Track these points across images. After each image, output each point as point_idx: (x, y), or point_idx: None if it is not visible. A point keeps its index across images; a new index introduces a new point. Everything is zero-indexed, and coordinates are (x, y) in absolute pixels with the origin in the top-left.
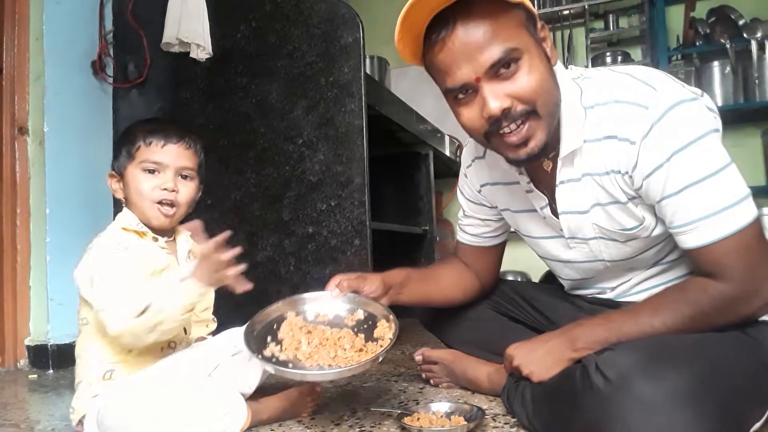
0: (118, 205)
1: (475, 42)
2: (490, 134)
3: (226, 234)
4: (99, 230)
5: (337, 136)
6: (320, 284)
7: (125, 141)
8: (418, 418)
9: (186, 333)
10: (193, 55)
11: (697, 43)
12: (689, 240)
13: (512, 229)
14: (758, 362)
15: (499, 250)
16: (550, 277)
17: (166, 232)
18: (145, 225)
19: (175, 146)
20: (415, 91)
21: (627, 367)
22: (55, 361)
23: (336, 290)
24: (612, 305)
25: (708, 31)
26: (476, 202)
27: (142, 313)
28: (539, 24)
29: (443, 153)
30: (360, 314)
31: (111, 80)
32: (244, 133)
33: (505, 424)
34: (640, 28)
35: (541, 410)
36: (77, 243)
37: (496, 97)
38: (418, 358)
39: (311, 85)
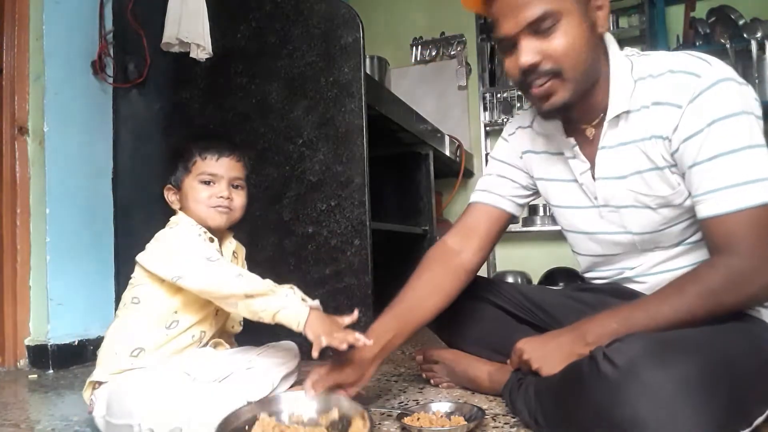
0: (118, 206)
1: (517, 1)
2: (523, 84)
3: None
4: (99, 230)
5: (337, 136)
6: (320, 284)
7: (182, 157)
8: (418, 418)
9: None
10: (193, 55)
11: (697, 43)
12: (706, 209)
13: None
14: (763, 358)
15: (506, 222)
16: (550, 278)
17: (216, 235)
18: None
19: (227, 159)
20: (415, 91)
21: (635, 354)
22: (55, 361)
23: (311, 391)
24: (623, 294)
25: (708, 31)
26: (515, 166)
27: (250, 295)
28: None
29: (443, 153)
30: (334, 414)
31: (111, 80)
32: (244, 133)
33: (505, 424)
34: (640, 28)
35: (545, 403)
36: (77, 243)
37: (528, 52)
38: (418, 357)
39: (311, 85)
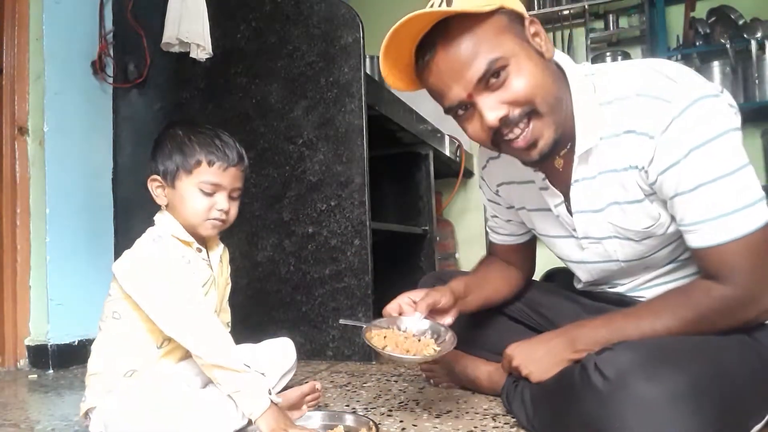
0: (118, 206)
1: (458, 61)
2: (498, 143)
3: None
4: (99, 230)
5: (337, 136)
6: (320, 284)
7: (178, 149)
8: (385, 336)
9: None
10: (193, 55)
11: (697, 43)
12: (697, 239)
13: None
14: (759, 364)
15: (531, 244)
16: (549, 279)
17: (202, 242)
18: (189, 233)
19: (234, 169)
20: (415, 91)
21: (626, 366)
22: (55, 361)
23: (417, 313)
24: (618, 302)
25: (708, 31)
26: (495, 202)
27: (218, 366)
28: (527, 21)
29: (443, 153)
30: (340, 430)
31: (111, 80)
32: (244, 133)
33: (505, 424)
34: (640, 28)
35: (540, 410)
36: (77, 243)
37: (491, 109)
38: None
39: (311, 85)
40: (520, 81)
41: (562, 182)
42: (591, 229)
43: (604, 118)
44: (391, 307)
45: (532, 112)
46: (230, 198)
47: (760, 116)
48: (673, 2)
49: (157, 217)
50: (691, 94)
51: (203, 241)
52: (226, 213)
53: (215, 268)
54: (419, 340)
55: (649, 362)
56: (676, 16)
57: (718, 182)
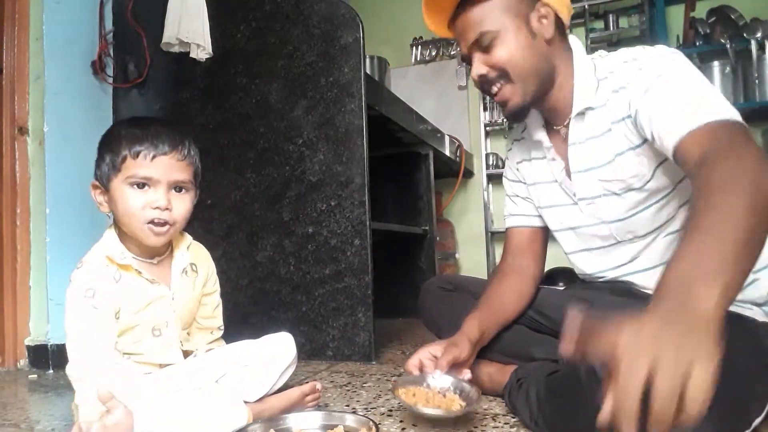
0: None
1: (464, 26)
2: (485, 91)
3: None
4: (99, 230)
5: (337, 136)
6: (320, 284)
7: (108, 148)
8: (414, 394)
9: (181, 344)
10: (193, 55)
11: (697, 43)
12: (674, 135)
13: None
14: (758, 357)
15: (544, 233)
16: (550, 279)
17: (159, 251)
18: (136, 245)
19: (166, 158)
20: (415, 91)
21: None
22: (55, 361)
23: (437, 371)
24: (621, 291)
25: (708, 31)
26: (516, 180)
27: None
28: (539, 4)
29: (443, 153)
30: (340, 430)
31: (111, 80)
32: (244, 133)
33: (505, 424)
34: (640, 28)
35: (545, 408)
36: (77, 243)
37: (477, 65)
38: None
39: (311, 85)
40: (501, 51)
41: (564, 149)
42: (586, 190)
43: (600, 89)
44: (412, 363)
45: (506, 77)
46: (174, 191)
47: (760, 116)
48: (673, 2)
49: (105, 232)
50: (656, 51)
51: (167, 251)
52: (167, 211)
53: (175, 282)
54: (444, 396)
55: None
56: (676, 16)
57: (692, 92)
